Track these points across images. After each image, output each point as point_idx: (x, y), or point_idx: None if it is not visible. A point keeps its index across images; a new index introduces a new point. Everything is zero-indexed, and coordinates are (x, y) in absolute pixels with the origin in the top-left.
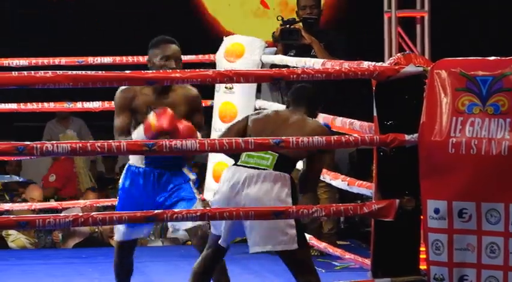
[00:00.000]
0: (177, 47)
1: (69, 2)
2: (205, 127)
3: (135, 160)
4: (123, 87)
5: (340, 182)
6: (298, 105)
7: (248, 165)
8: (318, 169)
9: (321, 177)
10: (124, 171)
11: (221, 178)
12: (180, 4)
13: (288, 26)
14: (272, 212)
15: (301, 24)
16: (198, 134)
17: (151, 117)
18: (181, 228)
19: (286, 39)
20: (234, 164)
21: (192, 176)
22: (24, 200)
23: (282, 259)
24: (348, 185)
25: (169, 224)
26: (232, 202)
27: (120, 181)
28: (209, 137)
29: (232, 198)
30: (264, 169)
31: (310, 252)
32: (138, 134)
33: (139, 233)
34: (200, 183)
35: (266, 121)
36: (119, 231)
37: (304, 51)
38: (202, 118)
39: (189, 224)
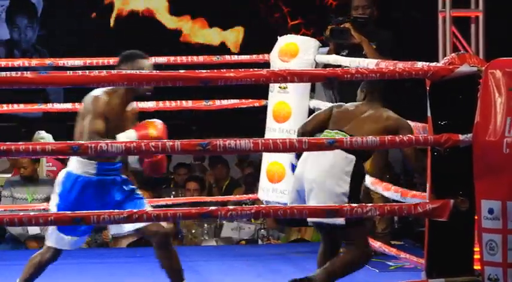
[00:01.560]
0: (149, 63)
1: None
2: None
3: (84, 170)
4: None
5: (392, 193)
6: (373, 97)
7: None
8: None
9: (373, 188)
10: (66, 181)
11: None
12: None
13: (338, 25)
14: (326, 211)
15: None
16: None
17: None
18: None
19: (336, 39)
20: None
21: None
22: None
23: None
24: (401, 196)
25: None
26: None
27: (60, 189)
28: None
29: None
30: None
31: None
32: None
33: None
34: (254, 183)
35: (346, 113)
36: (53, 237)
37: (357, 50)
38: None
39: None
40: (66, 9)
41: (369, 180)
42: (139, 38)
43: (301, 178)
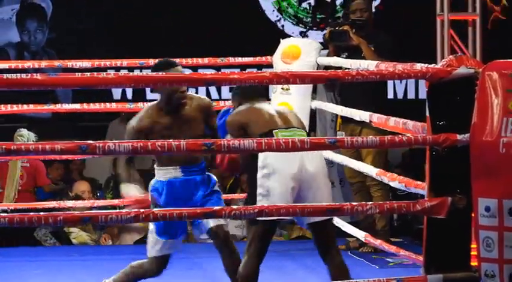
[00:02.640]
0: (182, 69)
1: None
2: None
3: (171, 174)
4: (138, 117)
5: (397, 183)
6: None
7: None
8: None
9: (379, 178)
10: (155, 187)
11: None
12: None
13: (337, 27)
14: (327, 209)
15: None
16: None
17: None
18: (204, 231)
19: (335, 41)
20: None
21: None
22: (78, 197)
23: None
24: (406, 186)
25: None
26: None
27: (156, 197)
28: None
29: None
30: None
31: None
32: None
33: (177, 247)
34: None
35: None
36: (156, 247)
37: (356, 52)
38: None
39: (211, 223)
40: (69, 8)
41: (373, 172)
42: None
43: (299, 175)
